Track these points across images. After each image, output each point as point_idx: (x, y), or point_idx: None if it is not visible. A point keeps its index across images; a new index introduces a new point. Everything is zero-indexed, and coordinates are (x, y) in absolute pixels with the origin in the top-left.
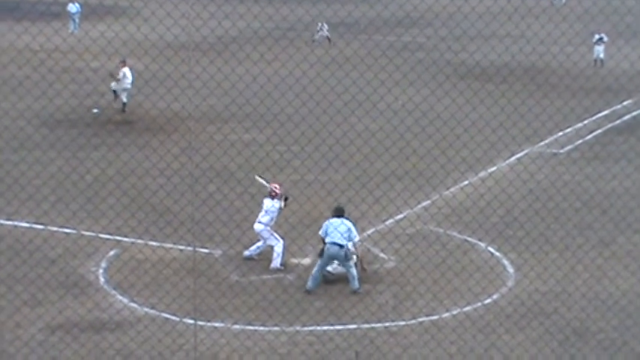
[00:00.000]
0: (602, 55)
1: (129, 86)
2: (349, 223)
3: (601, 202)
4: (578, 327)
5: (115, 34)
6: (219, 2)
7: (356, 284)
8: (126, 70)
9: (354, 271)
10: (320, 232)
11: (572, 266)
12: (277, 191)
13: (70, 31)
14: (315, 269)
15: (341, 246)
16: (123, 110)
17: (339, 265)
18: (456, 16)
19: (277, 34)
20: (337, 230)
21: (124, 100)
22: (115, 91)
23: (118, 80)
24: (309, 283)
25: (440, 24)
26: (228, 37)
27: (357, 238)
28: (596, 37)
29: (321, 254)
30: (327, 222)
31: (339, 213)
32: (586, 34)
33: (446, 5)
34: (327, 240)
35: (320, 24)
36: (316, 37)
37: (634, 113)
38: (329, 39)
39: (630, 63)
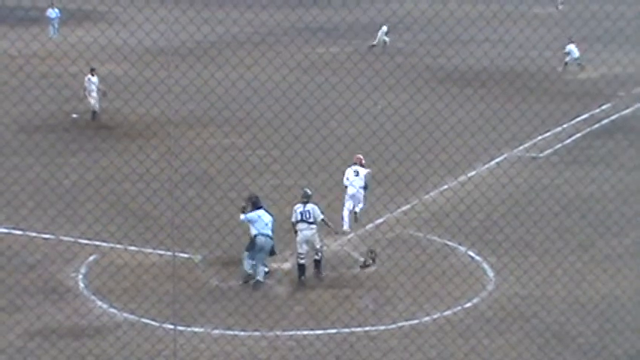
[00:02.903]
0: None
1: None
2: (270, 219)
3: (580, 206)
4: (558, 331)
5: (94, 39)
6: (198, 7)
7: (261, 277)
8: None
9: (264, 265)
10: (243, 218)
11: (551, 270)
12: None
13: (49, 36)
14: (246, 261)
15: (269, 237)
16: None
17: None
18: (434, 21)
19: (256, 39)
20: (263, 221)
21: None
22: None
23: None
24: (258, 277)
25: (418, 29)
26: (207, 42)
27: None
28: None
29: (249, 247)
30: (251, 214)
31: (258, 204)
32: (565, 39)
33: (424, 10)
34: (254, 232)
35: (384, 27)
36: (376, 42)
37: (612, 117)
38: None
39: (608, 67)
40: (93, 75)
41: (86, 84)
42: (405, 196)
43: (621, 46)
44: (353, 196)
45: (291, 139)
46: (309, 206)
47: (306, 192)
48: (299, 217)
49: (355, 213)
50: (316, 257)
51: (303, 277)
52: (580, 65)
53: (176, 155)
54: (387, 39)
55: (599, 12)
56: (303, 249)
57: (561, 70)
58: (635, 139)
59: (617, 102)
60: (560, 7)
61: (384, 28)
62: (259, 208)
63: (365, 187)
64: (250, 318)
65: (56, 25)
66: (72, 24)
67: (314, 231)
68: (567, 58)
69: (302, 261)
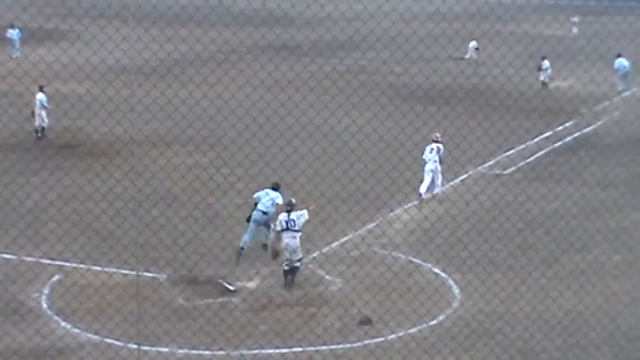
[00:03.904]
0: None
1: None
2: (276, 196)
3: (543, 223)
4: (522, 347)
5: (56, 57)
6: (161, 26)
7: (244, 244)
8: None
9: (269, 235)
10: (254, 195)
11: (515, 286)
12: None
13: (13, 56)
14: (249, 232)
15: (264, 213)
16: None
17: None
18: (397, 39)
19: (219, 57)
20: (266, 198)
21: (44, 125)
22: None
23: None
24: (248, 242)
25: (382, 47)
26: (171, 60)
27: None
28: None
29: (248, 218)
30: (263, 191)
31: (274, 186)
32: (526, 57)
33: (388, 28)
34: (258, 206)
35: (474, 42)
36: (468, 55)
37: (575, 135)
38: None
39: (569, 85)
40: (43, 92)
41: (45, 104)
42: (369, 213)
43: (581, 64)
44: (431, 170)
45: (255, 157)
46: (294, 214)
47: (290, 201)
48: (284, 226)
49: (434, 194)
50: (296, 264)
51: (289, 278)
52: (544, 83)
53: (139, 174)
54: (475, 55)
55: (559, 30)
56: (287, 256)
57: (546, 87)
58: (597, 156)
59: (580, 119)
60: (575, 29)
61: (474, 43)
62: (274, 189)
63: (440, 162)
64: (215, 337)
65: (17, 45)
66: (33, 43)
67: (298, 238)
68: (542, 76)
69: (288, 267)
